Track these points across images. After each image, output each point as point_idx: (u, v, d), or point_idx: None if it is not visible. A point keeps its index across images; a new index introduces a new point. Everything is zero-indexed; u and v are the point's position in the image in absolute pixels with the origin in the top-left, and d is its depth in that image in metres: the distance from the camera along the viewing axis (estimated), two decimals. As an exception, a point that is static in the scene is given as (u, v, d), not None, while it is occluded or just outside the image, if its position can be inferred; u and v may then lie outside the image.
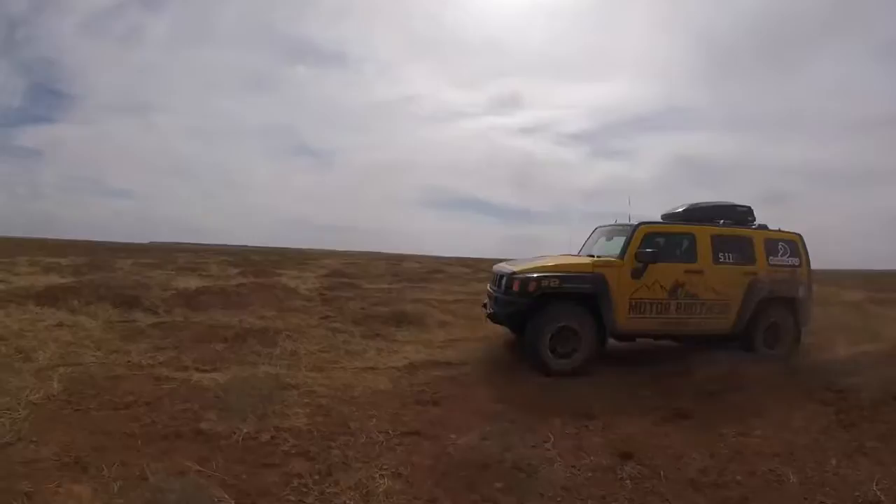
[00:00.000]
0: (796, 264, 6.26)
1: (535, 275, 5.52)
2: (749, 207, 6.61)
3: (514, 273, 5.72)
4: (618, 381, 5.30)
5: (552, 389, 5.00)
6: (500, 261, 6.89)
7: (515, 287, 5.54)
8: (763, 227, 6.36)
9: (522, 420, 4.06)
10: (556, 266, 5.67)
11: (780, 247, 6.22)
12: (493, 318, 6.21)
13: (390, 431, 3.78)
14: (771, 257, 6.11)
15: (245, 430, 3.57)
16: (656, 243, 5.76)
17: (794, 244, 6.32)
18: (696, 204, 6.60)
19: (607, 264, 5.64)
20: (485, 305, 6.57)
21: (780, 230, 6.40)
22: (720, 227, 6.12)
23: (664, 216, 6.73)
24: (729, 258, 5.94)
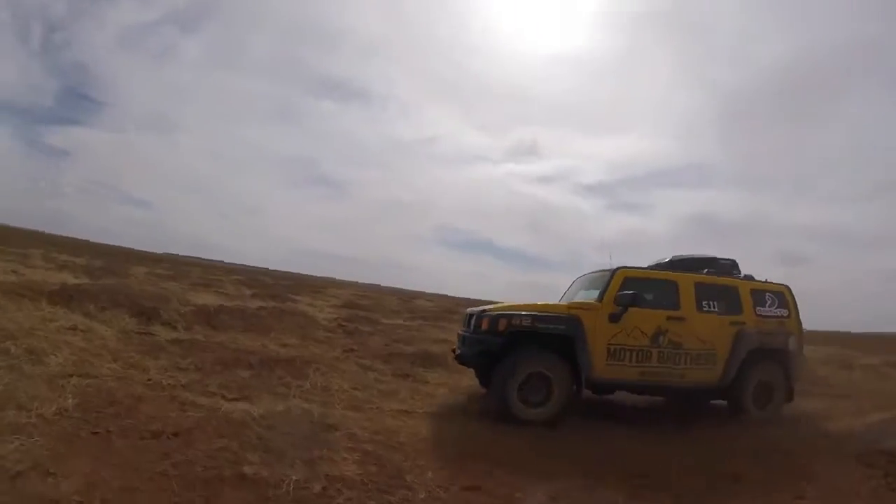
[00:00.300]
0: (785, 316, 6.00)
1: (505, 313, 5.25)
2: (733, 261, 6.40)
3: (483, 311, 5.48)
4: (652, 438, 4.86)
5: (595, 442, 4.64)
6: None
7: (484, 325, 5.25)
8: (749, 278, 6.17)
9: (581, 478, 3.74)
10: (529, 306, 5.39)
11: (767, 298, 5.97)
12: (460, 359, 5.83)
13: (449, 486, 3.39)
14: (758, 308, 5.86)
15: (294, 478, 3.07)
16: (636, 288, 5.47)
17: (783, 296, 6.07)
18: (681, 256, 6.40)
19: (584, 307, 5.38)
20: (454, 350, 6.13)
21: (766, 281, 6.20)
22: (704, 276, 5.92)
23: (650, 267, 6.33)
24: (714, 307, 5.69)
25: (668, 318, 5.44)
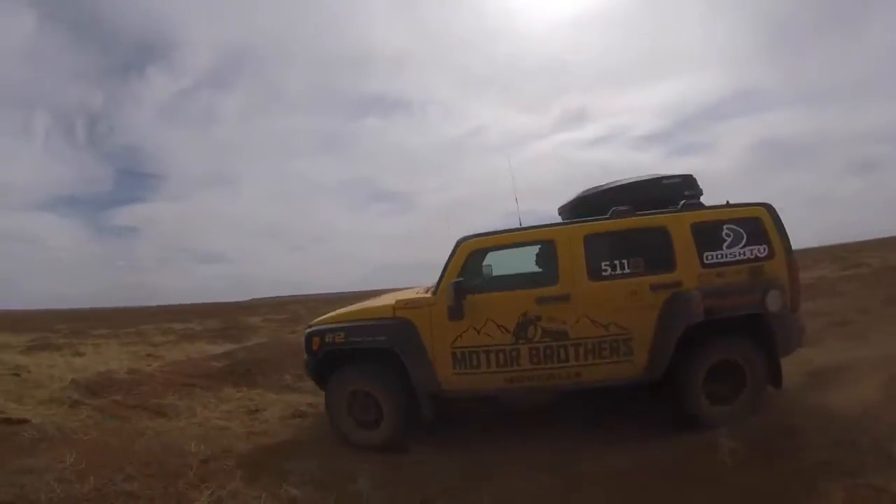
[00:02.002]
0: (762, 256, 4.10)
1: (318, 328, 4.66)
2: (685, 177, 4.49)
3: (310, 326, 4.91)
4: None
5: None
6: None
7: (306, 344, 4.72)
8: (696, 206, 4.24)
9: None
10: (351, 313, 4.67)
11: (725, 233, 4.09)
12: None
13: None
14: (707, 253, 4.08)
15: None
16: (491, 262, 4.27)
17: (756, 224, 4.12)
18: (598, 187, 4.73)
19: (414, 304, 4.34)
20: None
21: (727, 205, 4.23)
22: (602, 222, 4.21)
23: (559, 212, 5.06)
24: (622, 268, 4.09)
25: (540, 298, 4.08)
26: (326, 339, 4.53)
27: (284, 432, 5.38)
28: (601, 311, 4.02)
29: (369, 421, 4.44)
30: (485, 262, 4.33)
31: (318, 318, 4.90)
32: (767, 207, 4.11)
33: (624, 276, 4.08)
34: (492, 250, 4.36)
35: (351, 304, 5.21)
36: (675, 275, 4.01)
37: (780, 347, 4.04)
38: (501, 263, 4.43)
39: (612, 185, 4.62)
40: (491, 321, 4.14)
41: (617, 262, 4.09)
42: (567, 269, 4.10)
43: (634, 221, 4.17)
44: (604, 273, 4.10)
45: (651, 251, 4.11)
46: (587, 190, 4.79)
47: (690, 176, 4.48)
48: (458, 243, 4.37)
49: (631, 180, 4.58)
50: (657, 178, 4.53)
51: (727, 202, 4.27)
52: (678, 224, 4.08)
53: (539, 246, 4.40)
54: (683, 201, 4.25)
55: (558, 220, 4.90)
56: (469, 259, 4.29)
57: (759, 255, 4.08)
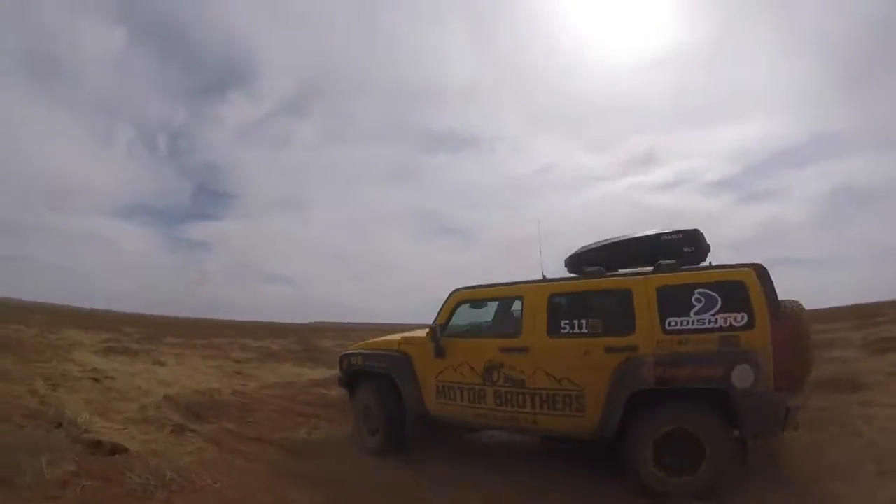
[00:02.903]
0: (738, 325, 3.53)
1: (350, 352, 5.41)
2: (688, 232, 4.23)
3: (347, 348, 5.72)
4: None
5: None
6: None
7: (339, 363, 5.50)
8: (670, 267, 3.88)
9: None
10: (370, 343, 5.32)
11: (695, 298, 3.62)
12: None
13: None
14: (671, 319, 3.64)
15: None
16: (476, 311, 4.73)
17: (738, 289, 3.58)
18: (599, 242, 4.63)
19: (412, 341, 4.80)
20: None
21: (710, 267, 3.89)
22: (569, 282, 4.28)
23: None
24: (580, 327, 3.96)
25: (503, 348, 4.21)
26: (351, 361, 5.23)
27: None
28: (556, 366, 4.01)
29: (374, 430, 4.89)
30: (471, 310, 4.76)
31: (353, 345, 5.60)
32: (757, 270, 3.66)
33: (580, 335, 3.99)
34: (477, 301, 4.72)
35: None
36: (631, 339, 3.75)
37: (748, 428, 3.58)
38: (488, 313, 4.82)
39: (611, 241, 4.58)
40: (465, 362, 4.42)
41: (577, 321, 4.05)
42: (529, 324, 4.19)
43: (600, 283, 4.09)
44: (562, 330, 4.06)
45: (612, 313, 3.97)
46: (587, 245, 4.76)
47: (695, 231, 4.29)
48: (451, 293, 4.73)
49: (630, 236, 4.54)
50: (656, 234, 4.38)
51: (710, 263, 4.06)
52: (643, 287, 3.84)
53: (514, 300, 4.52)
54: (664, 262, 4.00)
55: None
56: (457, 306, 4.65)
57: (734, 323, 3.59)
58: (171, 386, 7.55)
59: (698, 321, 3.61)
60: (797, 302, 3.87)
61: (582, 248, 4.71)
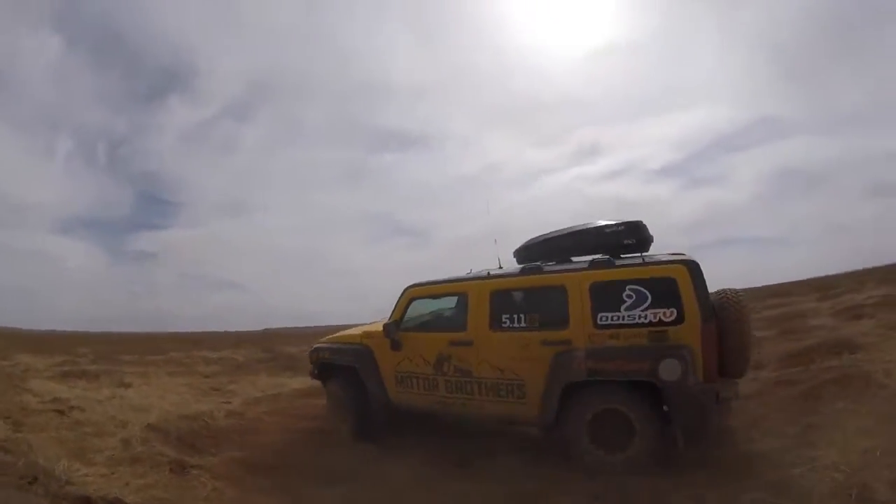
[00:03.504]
0: (668, 320, 3.71)
1: (318, 346, 5.66)
2: (629, 224, 4.34)
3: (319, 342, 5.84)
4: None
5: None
6: None
7: (310, 356, 5.75)
8: (604, 263, 4.03)
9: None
10: (336, 337, 5.59)
11: (626, 294, 3.83)
12: None
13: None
14: (602, 314, 3.88)
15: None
16: (426, 307, 5.01)
17: (667, 284, 3.73)
18: (544, 235, 4.82)
19: (373, 336, 5.06)
20: None
21: (642, 263, 3.95)
22: (509, 279, 4.45)
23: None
24: (519, 322, 4.23)
25: (451, 341, 4.52)
26: (319, 355, 5.52)
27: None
28: (498, 358, 4.24)
29: (344, 419, 5.19)
30: (427, 305, 5.03)
31: (321, 339, 5.79)
32: (689, 266, 3.75)
33: (519, 329, 4.23)
34: (428, 297, 4.94)
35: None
36: (565, 333, 3.99)
37: (677, 419, 3.70)
38: (442, 306, 5.02)
39: (556, 234, 4.71)
40: (419, 355, 4.69)
41: (516, 315, 4.27)
42: (473, 319, 4.44)
43: (537, 279, 4.28)
44: (503, 325, 4.29)
45: (548, 308, 4.16)
46: (533, 238, 4.90)
47: (637, 223, 4.38)
48: (404, 290, 4.98)
49: (574, 229, 4.64)
50: (599, 226, 4.48)
51: (642, 258, 4.09)
52: (577, 283, 4.03)
53: (460, 295, 4.69)
54: (598, 258, 4.16)
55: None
56: (410, 303, 4.91)
57: (664, 318, 3.75)
58: (149, 412, 6.67)
59: (629, 316, 3.80)
60: (736, 291, 4.04)
61: (529, 240, 4.89)
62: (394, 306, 4.99)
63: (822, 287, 20.56)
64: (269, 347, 21.05)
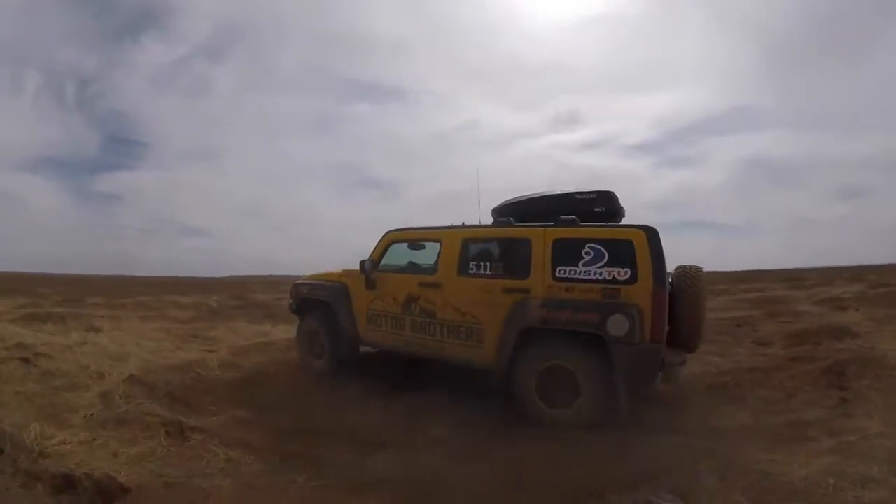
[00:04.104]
0: (621, 279, 3.89)
1: (300, 282, 5.90)
2: (601, 193, 4.50)
3: (299, 278, 6.10)
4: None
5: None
6: None
7: (291, 291, 6.02)
8: (568, 222, 4.18)
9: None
10: (318, 275, 5.78)
11: (585, 251, 4.03)
12: None
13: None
14: (561, 268, 4.09)
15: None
16: (404, 251, 5.16)
17: (625, 247, 3.92)
18: (520, 197, 4.97)
19: (351, 274, 5.30)
20: None
21: (605, 225, 4.18)
22: (481, 229, 4.78)
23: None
24: (484, 269, 4.49)
25: (421, 283, 4.80)
26: (299, 290, 5.82)
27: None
28: (462, 301, 4.48)
29: (318, 353, 5.50)
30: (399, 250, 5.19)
31: (304, 276, 6.01)
32: (648, 232, 3.89)
33: (484, 276, 4.44)
34: (406, 241, 5.14)
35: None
36: (526, 282, 4.19)
37: (621, 374, 3.78)
38: (419, 258, 5.15)
39: (530, 197, 4.85)
40: (391, 295, 4.94)
41: (483, 263, 4.49)
42: (444, 264, 4.66)
43: (506, 231, 4.46)
44: (470, 271, 4.52)
45: (513, 259, 4.36)
46: (510, 199, 5.05)
47: (609, 193, 4.52)
48: (386, 233, 5.21)
49: (546, 193, 4.78)
50: (571, 192, 4.62)
51: (602, 225, 4.21)
52: (541, 237, 4.23)
53: (435, 243, 4.86)
54: (565, 217, 4.24)
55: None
56: (389, 246, 5.16)
57: (617, 277, 3.91)
58: (125, 361, 5.89)
59: (585, 272, 3.99)
60: (698, 267, 4.30)
61: (505, 201, 5.05)
62: (374, 247, 5.21)
63: (790, 278, 21.15)
64: (239, 294, 20.27)
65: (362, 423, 3.95)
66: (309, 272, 6.18)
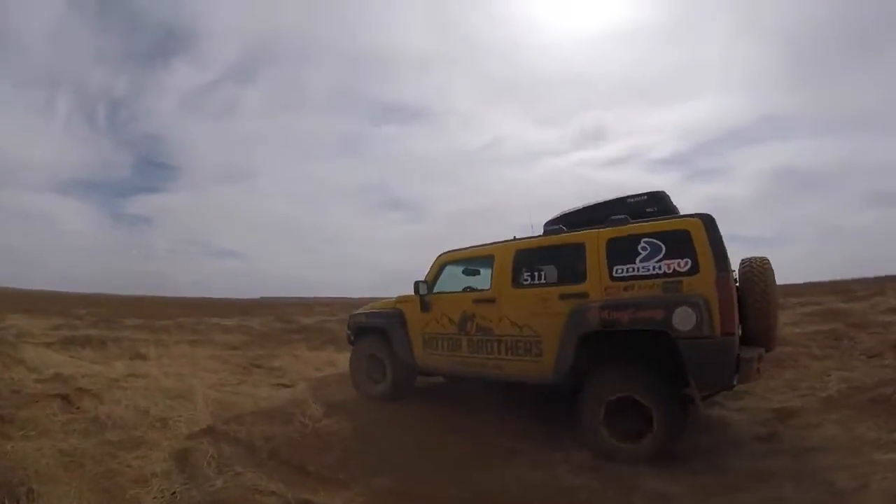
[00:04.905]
0: (682, 270, 3.63)
1: (356, 312, 5.86)
2: (652, 194, 4.35)
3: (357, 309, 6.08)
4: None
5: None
6: None
7: (348, 323, 5.95)
8: (621, 221, 4.02)
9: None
10: (375, 304, 5.80)
11: (640, 247, 3.81)
12: None
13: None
14: (618, 267, 3.87)
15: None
16: (458, 271, 5.05)
17: (681, 236, 3.68)
18: (575, 208, 4.79)
19: (406, 299, 5.21)
20: None
21: (658, 219, 3.94)
22: (533, 239, 4.55)
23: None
24: (539, 277, 4.30)
25: (475, 300, 4.63)
26: (356, 321, 5.72)
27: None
28: (518, 314, 4.32)
29: (377, 378, 5.27)
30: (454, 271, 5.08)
31: (361, 308, 5.94)
32: (704, 219, 3.67)
33: (539, 285, 4.28)
34: (459, 262, 5.04)
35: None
36: (583, 286, 3.97)
37: (694, 375, 3.38)
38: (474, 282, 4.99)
39: (584, 206, 4.71)
40: (445, 315, 4.79)
41: (537, 272, 4.36)
42: (497, 277, 4.52)
43: (558, 238, 4.33)
44: (524, 282, 4.37)
45: (567, 264, 4.19)
46: (566, 210, 4.83)
47: (660, 193, 4.36)
48: (438, 256, 5.14)
49: (600, 201, 4.69)
50: (623, 197, 4.48)
51: (655, 218, 4.02)
52: (594, 239, 4.06)
53: (487, 258, 4.75)
54: (615, 217, 4.10)
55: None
56: (443, 268, 5.04)
57: (678, 269, 3.64)
58: (190, 400, 4.62)
59: (643, 268, 3.77)
60: (765, 258, 4.08)
61: (560, 213, 4.87)
62: (428, 272, 5.14)
63: (837, 290, 19.58)
64: (282, 316, 19.30)
65: (551, 485, 2.88)
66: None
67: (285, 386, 6.12)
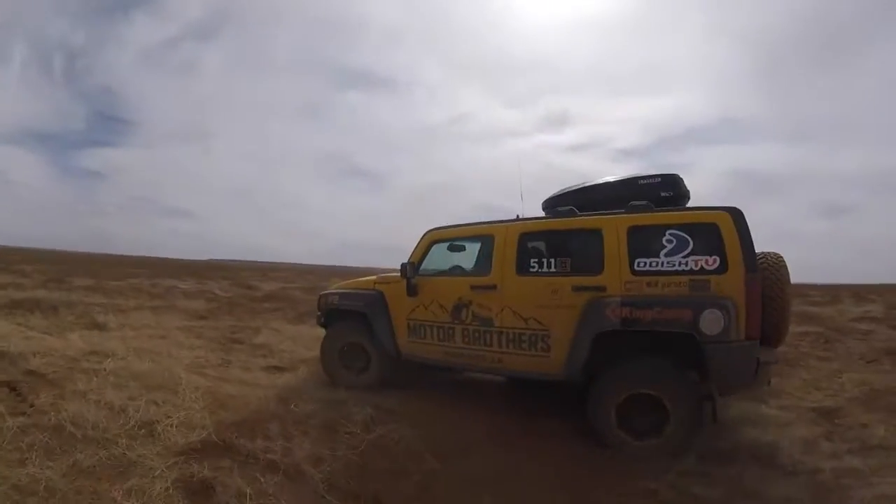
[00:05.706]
0: (710, 268, 3.47)
1: (327, 292, 5.41)
2: (665, 177, 4.19)
3: (325, 288, 5.78)
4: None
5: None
6: None
7: (318, 302, 5.43)
8: (643, 207, 3.79)
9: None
10: (349, 283, 5.30)
11: (666, 239, 3.60)
12: None
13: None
14: (640, 260, 3.63)
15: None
16: (449, 251, 4.62)
17: (710, 230, 3.52)
18: (576, 185, 4.58)
19: (388, 280, 4.77)
20: None
21: (683, 208, 3.90)
22: (540, 222, 4.24)
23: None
24: (549, 265, 3.98)
25: (473, 286, 4.23)
26: (329, 301, 5.13)
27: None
28: (523, 305, 3.99)
29: (360, 367, 4.79)
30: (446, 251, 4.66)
31: (332, 286, 5.56)
32: (733, 213, 3.48)
33: (549, 273, 3.96)
34: (450, 240, 4.64)
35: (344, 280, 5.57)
36: (599, 279, 3.70)
37: (718, 379, 3.43)
38: (463, 253, 4.72)
39: (588, 185, 4.49)
40: (435, 301, 4.43)
41: (546, 259, 4.03)
42: (499, 262, 4.18)
43: (571, 222, 4.01)
44: (531, 269, 4.03)
45: (582, 252, 3.91)
46: (566, 188, 4.62)
47: (674, 175, 4.17)
48: (426, 233, 4.72)
49: (607, 180, 4.49)
50: (634, 177, 4.28)
51: (682, 209, 3.87)
52: (613, 226, 3.76)
53: (485, 238, 4.40)
54: (636, 202, 3.84)
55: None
56: (430, 246, 4.62)
57: (706, 266, 3.47)
58: (176, 393, 3.77)
59: (668, 263, 3.57)
60: (779, 254, 3.93)
61: (559, 191, 4.66)
62: (413, 249, 4.74)
63: (795, 294, 20.39)
64: (239, 281, 18.45)
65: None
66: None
67: (279, 369, 5.38)
